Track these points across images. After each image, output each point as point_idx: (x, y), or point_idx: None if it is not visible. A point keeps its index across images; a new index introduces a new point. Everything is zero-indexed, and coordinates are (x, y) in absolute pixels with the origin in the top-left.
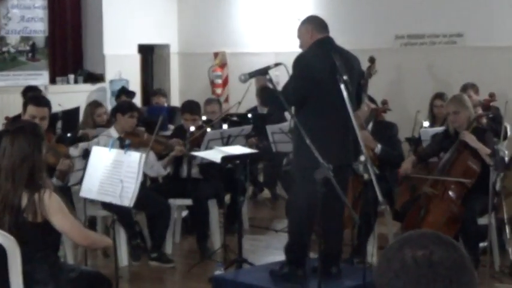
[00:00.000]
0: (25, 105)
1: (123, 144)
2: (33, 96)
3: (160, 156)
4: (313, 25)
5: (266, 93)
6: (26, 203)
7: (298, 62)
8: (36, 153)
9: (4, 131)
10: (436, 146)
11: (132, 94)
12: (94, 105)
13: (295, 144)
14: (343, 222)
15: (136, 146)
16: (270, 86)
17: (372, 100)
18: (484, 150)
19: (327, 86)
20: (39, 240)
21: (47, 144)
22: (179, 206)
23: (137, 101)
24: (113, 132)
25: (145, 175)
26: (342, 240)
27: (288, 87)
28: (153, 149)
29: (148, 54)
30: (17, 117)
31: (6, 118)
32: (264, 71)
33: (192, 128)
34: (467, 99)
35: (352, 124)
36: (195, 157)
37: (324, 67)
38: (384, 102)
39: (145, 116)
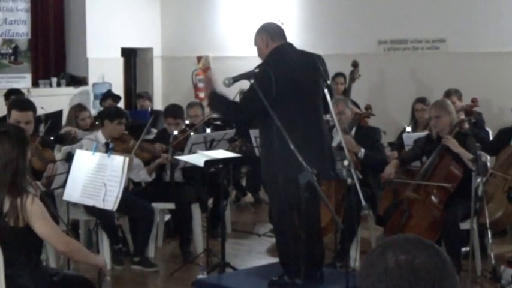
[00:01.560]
0: (9, 110)
1: (107, 148)
2: (16, 100)
3: (145, 163)
4: (267, 34)
5: (216, 100)
6: (8, 207)
7: (260, 70)
8: (20, 157)
9: None
10: (418, 150)
11: (118, 98)
12: (78, 109)
13: (276, 152)
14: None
15: (122, 152)
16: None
17: (355, 105)
18: (466, 155)
19: (295, 91)
20: (21, 244)
21: (32, 148)
22: (162, 210)
23: (120, 104)
24: (100, 136)
25: (128, 179)
26: (323, 244)
27: (245, 100)
28: (139, 156)
29: (132, 57)
30: (1, 120)
31: None
32: (248, 76)
33: (176, 132)
34: (449, 104)
35: (325, 130)
36: (178, 161)
37: (289, 72)
38: (368, 107)
39: (128, 120)
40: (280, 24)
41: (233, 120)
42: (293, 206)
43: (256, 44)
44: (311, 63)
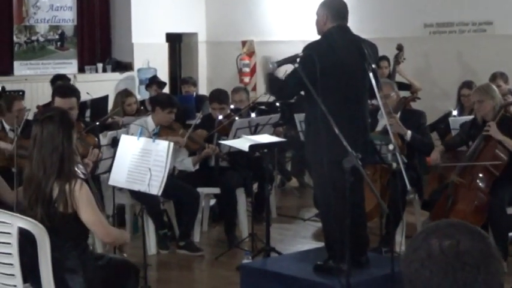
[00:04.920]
0: (53, 97)
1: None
2: (59, 86)
3: (192, 152)
4: (329, 11)
5: (270, 80)
6: (57, 193)
7: (305, 54)
8: (66, 141)
9: (34, 120)
10: (464, 135)
11: (163, 84)
12: (125, 94)
13: (321, 135)
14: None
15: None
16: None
17: (404, 86)
18: (509, 143)
19: (339, 76)
20: (70, 229)
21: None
22: (207, 194)
23: (165, 90)
24: (150, 122)
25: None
26: (366, 229)
27: (289, 78)
28: (187, 146)
29: (176, 42)
30: (48, 105)
31: (38, 107)
32: (292, 60)
33: (220, 117)
34: (493, 89)
35: (367, 116)
36: (220, 146)
37: (335, 57)
38: (413, 92)
39: (179, 109)
40: None
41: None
42: (338, 189)
43: (316, 19)
44: (357, 48)
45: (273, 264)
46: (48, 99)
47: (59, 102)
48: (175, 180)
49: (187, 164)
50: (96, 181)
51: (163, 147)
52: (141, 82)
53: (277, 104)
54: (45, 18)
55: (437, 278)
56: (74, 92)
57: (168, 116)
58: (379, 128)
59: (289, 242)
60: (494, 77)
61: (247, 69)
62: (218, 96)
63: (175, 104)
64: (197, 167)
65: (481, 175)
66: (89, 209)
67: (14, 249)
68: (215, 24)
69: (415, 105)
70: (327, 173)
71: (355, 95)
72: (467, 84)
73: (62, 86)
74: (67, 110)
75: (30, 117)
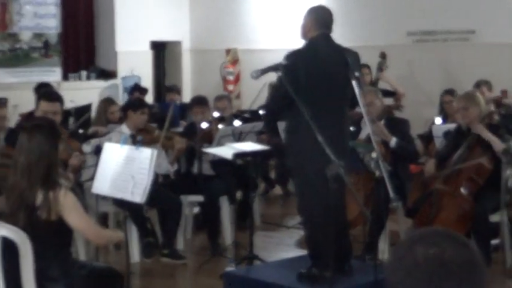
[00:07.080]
0: (38, 102)
1: (135, 140)
2: (44, 91)
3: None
4: (315, 18)
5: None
6: (41, 200)
7: (288, 62)
8: (53, 150)
9: (21, 128)
10: (451, 145)
11: (145, 91)
12: (108, 103)
13: (303, 143)
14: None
15: (148, 143)
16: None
17: (389, 94)
18: (497, 144)
19: (322, 84)
20: (52, 237)
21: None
22: (191, 202)
23: (149, 97)
24: (125, 129)
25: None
26: (349, 236)
27: (273, 92)
28: (164, 146)
29: (161, 50)
30: (31, 114)
31: (21, 115)
32: (276, 68)
33: (204, 125)
34: (478, 96)
35: (348, 124)
36: (204, 153)
37: (317, 65)
38: (397, 99)
39: (157, 112)
40: None
41: (269, 115)
42: (320, 197)
43: (302, 25)
44: (341, 57)
45: (257, 272)
46: (31, 106)
47: (44, 106)
48: (158, 188)
49: (166, 166)
50: (80, 188)
51: (147, 154)
52: (125, 90)
53: (261, 112)
54: (28, 25)
55: (422, 286)
56: (59, 98)
57: (141, 117)
58: (362, 136)
59: (272, 249)
60: (478, 85)
61: (231, 77)
62: (198, 100)
63: (145, 105)
64: (175, 166)
65: (465, 183)
66: (76, 214)
67: None
68: (199, 33)
69: (399, 114)
70: (310, 180)
71: (336, 103)
72: (449, 92)
73: (47, 91)
74: (55, 120)
75: (12, 125)
